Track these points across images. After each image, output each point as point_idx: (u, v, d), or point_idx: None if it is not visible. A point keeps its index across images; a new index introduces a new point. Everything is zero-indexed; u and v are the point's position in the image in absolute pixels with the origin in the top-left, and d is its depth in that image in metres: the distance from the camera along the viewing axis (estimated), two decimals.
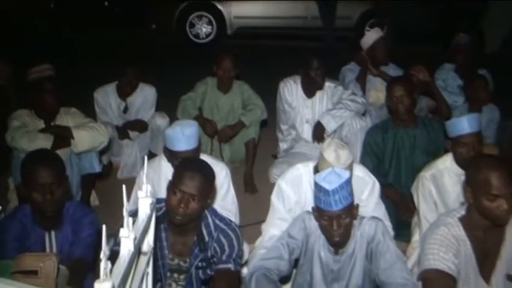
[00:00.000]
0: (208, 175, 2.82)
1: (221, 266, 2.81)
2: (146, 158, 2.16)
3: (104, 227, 1.61)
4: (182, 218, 2.71)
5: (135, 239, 1.82)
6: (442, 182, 3.54)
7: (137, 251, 1.96)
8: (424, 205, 3.54)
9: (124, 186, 1.83)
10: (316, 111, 4.98)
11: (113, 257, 1.68)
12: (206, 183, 2.78)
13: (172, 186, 2.73)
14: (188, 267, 2.88)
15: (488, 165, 2.61)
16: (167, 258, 2.89)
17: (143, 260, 2.04)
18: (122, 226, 1.77)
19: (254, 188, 5.02)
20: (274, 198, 3.45)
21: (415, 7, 10.30)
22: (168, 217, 2.81)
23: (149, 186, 2.05)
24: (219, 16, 10.95)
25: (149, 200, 2.03)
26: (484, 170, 2.60)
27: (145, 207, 2.03)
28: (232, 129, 4.99)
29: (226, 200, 3.68)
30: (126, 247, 1.76)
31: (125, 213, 1.77)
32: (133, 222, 1.90)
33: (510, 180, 2.57)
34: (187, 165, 2.84)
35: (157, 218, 2.28)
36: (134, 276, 1.91)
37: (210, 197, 2.89)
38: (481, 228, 2.68)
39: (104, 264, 1.56)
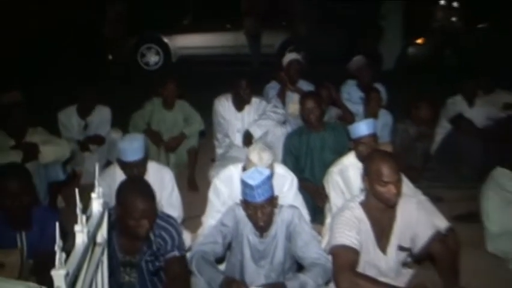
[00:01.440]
0: (152, 194, 2.70)
1: (168, 255, 2.76)
2: (97, 166, 2.14)
3: (57, 224, 1.60)
4: (140, 234, 2.62)
5: (88, 232, 1.80)
6: (347, 175, 3.59)
7: (92, 242, 1.93)
8: (334, 194, 3.58)
9: (77, 191, 1.81)
10: (245, 122, 5.00)
11: None
12: (153, 203, 2.67)
13: (128, 214, 2.58)
14: (138, 262, 2.79)
15: (380, 158, 2.67)
16: (119, 256, 2.79)
17: (98, 250, 2.01)
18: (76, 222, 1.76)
19: (196, 187, 5.02)
20: (211, 194, 3.44)
21: (325, 36, 10.58)
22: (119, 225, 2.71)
23: (101, 188, 2.04)
24: (165, 47, 11.16)
25: (101, 200, 2.02)
26: (376, 161, 2.65)
27: (97, 205, 2.01)
28: (176, 140, 5.03)
29: (171, 198, 3.64)
30: (80, 239, 1.74)
31: (78, 211, 1.75)
32: (88, 219, 1.88)
33: (397, 170, 2.64)
34: (136, 192, 2.64)
35: (109, 223, 2.21)
36: (90, 265, 1.88)
37: (156, 212, 2.76)
38: (377, 209, 2.72)
39: (59, 255, 1.54)
